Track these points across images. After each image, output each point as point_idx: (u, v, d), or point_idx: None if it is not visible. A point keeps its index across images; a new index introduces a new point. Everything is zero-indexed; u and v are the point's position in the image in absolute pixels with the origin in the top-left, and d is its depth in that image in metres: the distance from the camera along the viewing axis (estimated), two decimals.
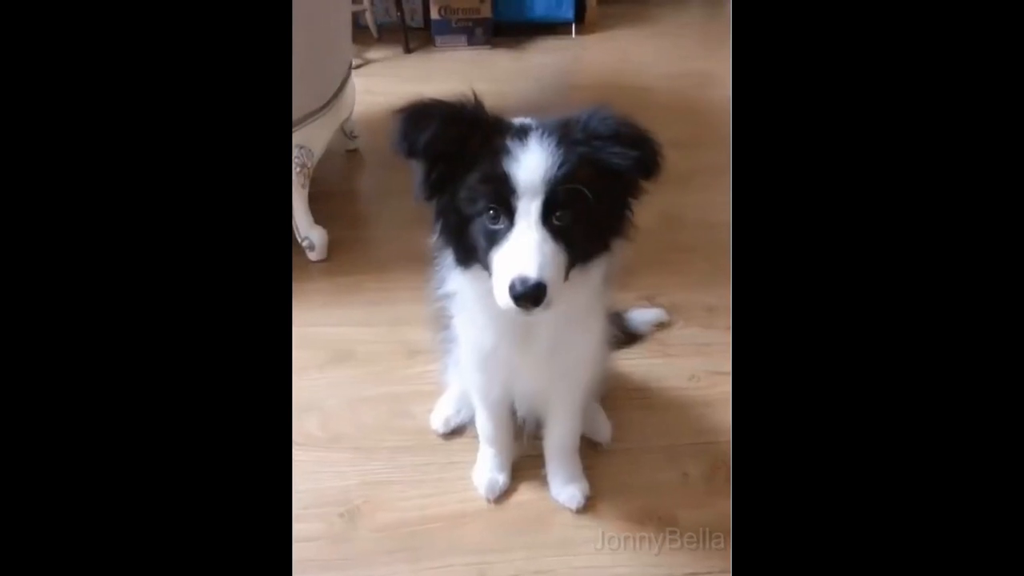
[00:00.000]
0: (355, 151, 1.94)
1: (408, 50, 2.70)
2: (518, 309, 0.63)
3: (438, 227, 0.73)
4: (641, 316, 1.24)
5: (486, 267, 0.68)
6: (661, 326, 1.26)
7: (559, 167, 0.64)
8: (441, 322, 0.91)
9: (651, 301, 1.30)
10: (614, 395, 1.10)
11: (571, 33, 2.94)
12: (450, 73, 2.51)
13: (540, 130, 0.66)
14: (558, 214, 0.65)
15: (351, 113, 1.84)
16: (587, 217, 0.66)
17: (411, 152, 0.66)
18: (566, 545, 0.91)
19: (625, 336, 1.18)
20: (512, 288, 0.63)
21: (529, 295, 0.62)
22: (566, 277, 0.68)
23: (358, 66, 2.51)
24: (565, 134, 0.66)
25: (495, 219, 0.66)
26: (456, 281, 0.77)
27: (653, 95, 2.37)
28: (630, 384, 1.15)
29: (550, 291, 0.63)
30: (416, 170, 0.70)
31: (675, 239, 1.52)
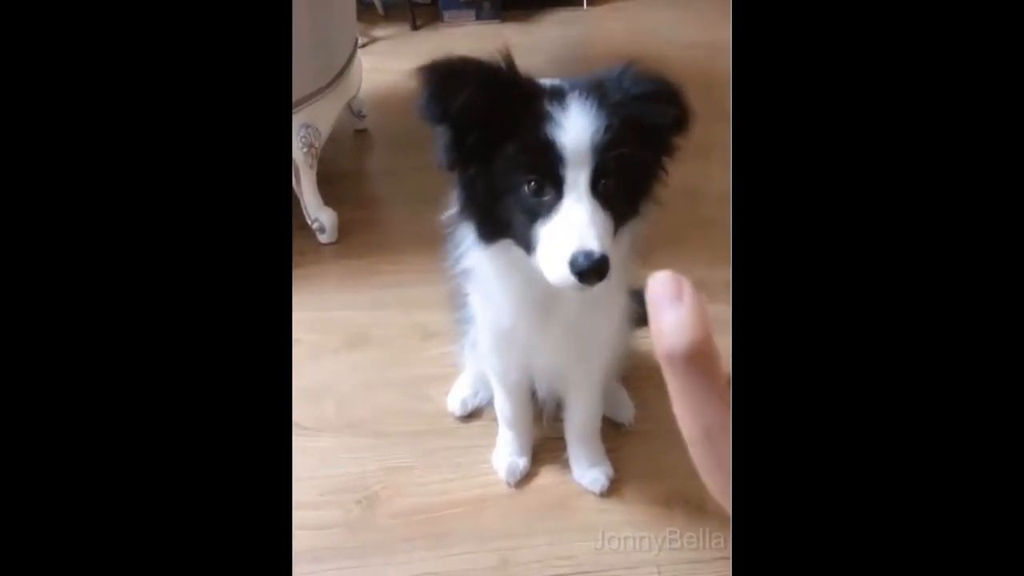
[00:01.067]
0: (364, 131, 1.90)
1: (415, 27, 2.64)
2: (581, 285, 0.59)
3: (461, 200, 0.67)
4: None
5: (523, 243, 0.63)
6: None
7: (605, 131, 0.59)
8: (457, 302, 0.88)
9: None
10: (636, 375, 1.06)
11: (582, 4, 2.86)
12: (459, 49, 2.44)
13: (577, 92, 0.61)
14: (604, 182, 0.60)
15: (358, 91, 1.80)
16: (628, 180, 0.63)
17: (442, 117, 0.60)
18: (590, 529, 0.88)
19: (646, 315, 1.14)
20: (575, 263, 0.58)
21: (594, 269, 0.58)
22: None
23: (364, 44, 2.46)
24: (603, 95, 0.61)
25: (539, 191, 0.61)
26: (475, 258, 0.72)
27: (668, 66, 2.28)
28: (653, 363, 1.11)
29: (611, 264, 0.59)
30: (440, 136, 0.63)
31: (697, 213, 1.47)
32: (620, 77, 0.63)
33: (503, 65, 0.61)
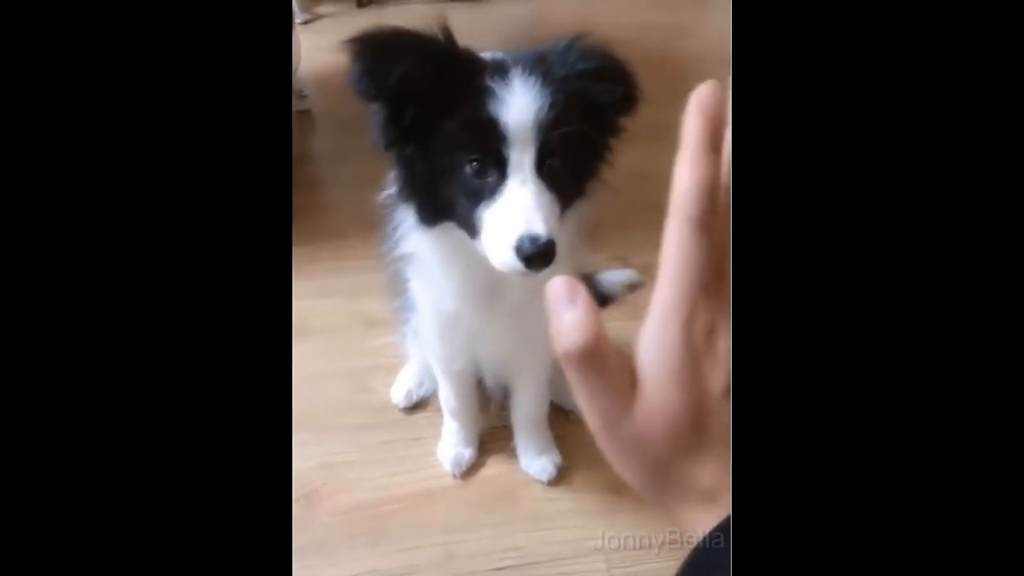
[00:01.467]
0: (307, 112, 1.82)
1: (361, 4, 2.55)
2: (527, 270, 0.56)
3: (399, 181, 0.64)
4: (613, 277, 1.19)
5: (466, 226, 0.60)
6: (633, 287, 1.21)
7: (549, 109, 0.56)
8: (397, 288, 0.84)
9: (624, 262, 1.25)
10: None
11: None
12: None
13: (520, 67, 0.58)
14: (549, 162, 0.57)
15: (297, 69, 1.72)
16: (573, 160, 0.60)
17: (377, 92, 0.56)
18: (538, 520, 0.87)
19: (595, 298, 1.13)
20: (521, 248, 0.55)
21: (541, 254, 0.55)
22: None
23: (307, 21, 2.37)
24: (547, 71, 0.58)
25: (481, 172, 0.57)
26: (416, 241, 0.68)
27: (622, 48, 2.28)
28: None
29: (557, 248, 0.56)
30: (375, 113, 0.59)
31: (647, 198, 1.45)
32: (565, 52, 0.59)
33: (441, 37, 0.57)
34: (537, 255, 0.55)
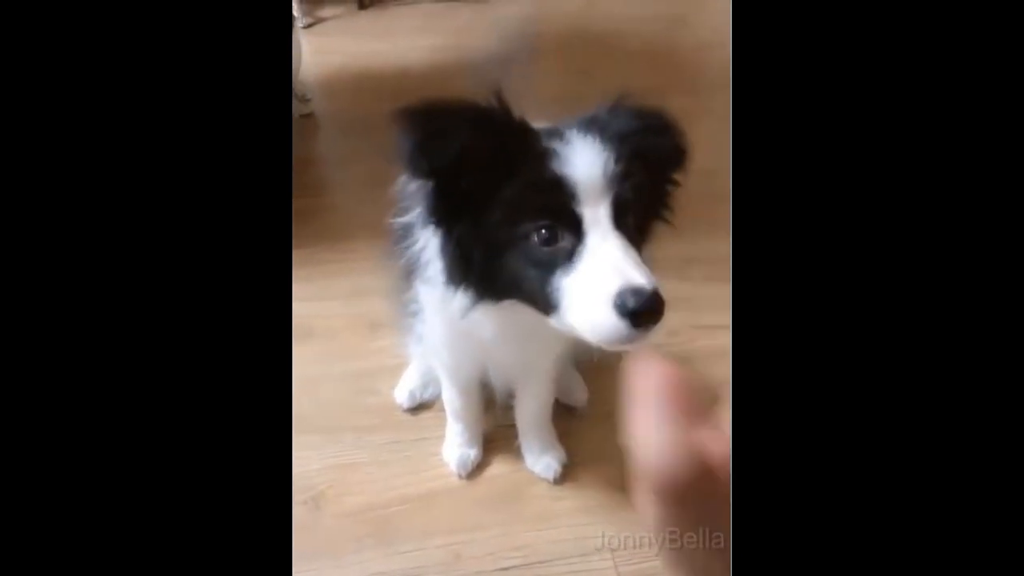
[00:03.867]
0: (310, 115, 1.83)
1: (363, 6, 2.55)
2: (632, 332, 0.48)
3: (448, 265, 0.58)
4: None
5: (538, 303, 0.55)
6: None
7: (616, 162, 0.53)
8: (401, 292, 0.84)
9: None
10: (588, 357, 1.04)
11: None
12: (409, 29, 2.37)
13: (575, 128, 0.55)
14: (626, 218, 0.53)
15: (298, 73, 1.72)
16: (643, 214, 0.57)
17: (434, 170, 0.53)
18: (544, 518, 0.86)
19: None
20: (623, 305, 0.48)
21: (649, 308, 0.48)
22: None
23: (309, 25, 2.37)
24: (603, 129, 0.56)
25: (551, 238, 0.52)
26: (474, 314, 0.62)
27: (622, 41, 2.27)
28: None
29: (665, 302, 0.49)
30: (424, 186, 0.55)
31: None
32: (614, 112, 0.58)
33: (497, 107, 0.54)
34: (644, 309, 0.48)
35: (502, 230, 0.54)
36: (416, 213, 0.63)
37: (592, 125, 0.57)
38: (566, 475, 0.90)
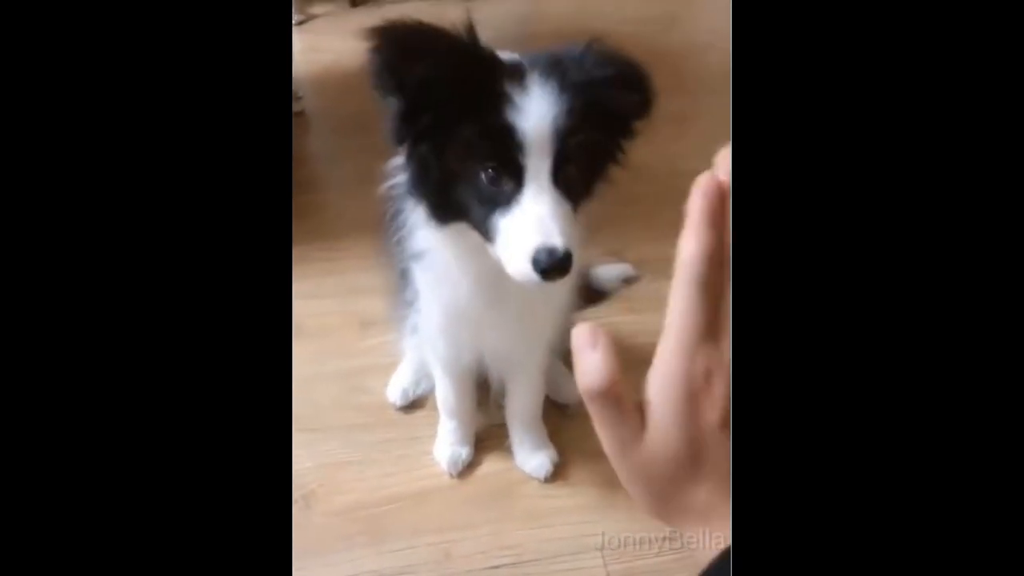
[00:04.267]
0: (301, 113, 1.82)
1: (355, 3, 2.54)
2: (543, 282, 0.56)
3: (410, 178, 0.62)
4: (607, 272, 1.19)
5: (481, 230, 0.60)
6: (628, 281, 1.20)
7: (567, 116, 0.55)
8: (395, 286, 0.84)
9: (618, 256, 1.24)
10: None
11: None
12: None
13: (536, 72, 0.56)
14: (565, 171, 0.57)
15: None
16: (589, 167, 0.60)
17: (397, 88, 0.55)
18: (534, 517, 0.87)
19: (591, 293, 1.13)
20: (538, 261, 0.55)
21: (558, 267, 0.55)
22: None
23: (300, 22, 2.36)
24: (564, 76, 0.56)
25: (496, 180, 0.56)
26: (426, 237, 0.67)
27: (614, 41, 2.27)
28: None
29: (574, 259, 0.55)
30: (391, 106, 0.57)
31: (641, 190, 1.45)
32: (583, 57, 0.58)
33: (464, 36, 0.56)
34: (554, 268, 0.55)
35: (456, 162, 0.58)
36: (400, 186, 0.66)
37: (556, 68, 0.57)
38: (557, 474, 0.91)
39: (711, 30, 2.29)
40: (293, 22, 2.32)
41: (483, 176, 0.57)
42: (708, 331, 0.29)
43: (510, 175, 0.56)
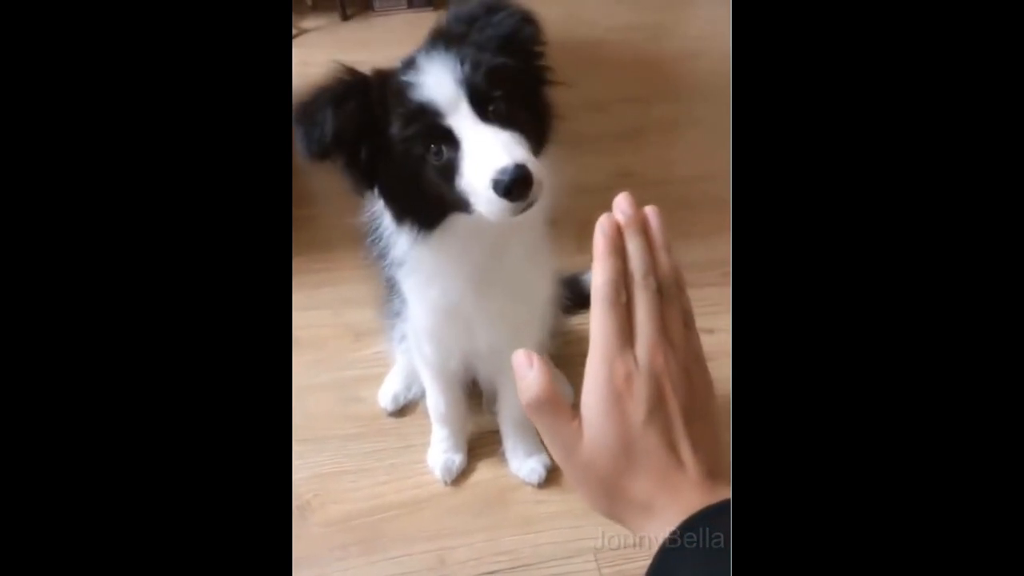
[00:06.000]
0: None
1: (345, 17, 2.56)
2: (513, 205, 0.56)
3: (392, 211, 0.66)
4: None
5: (460, 207, 0.61)
6: None
7: (461, 63, 0.58)
8: (384, 295, 0.85)
9: None
10: (572, 362, 1.05)
11: None
12: (391, 39, 2.38)
13: (423, 51, 0.61)
14: (492, 107, 0.59)
15: None
16: (517, 95, 0.61)
17: (323, 152, 0.60)
18: (528, 522, 0.87)
19: (581, 300, 1.13)
20: (497, 185, 0.56)
21: (517, 179, 0.55)
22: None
23: (293, 36, 2.38)
24: (446, 37, 0.61)
25: (440, 153, 0.60)
26: (416, 251, 0.69)
27: (604, 49, 2.29)
28: (587, 349, 1.11)
29: (533, 171, 0.56)
30: (340, 169, 0.62)
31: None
32: (454, 16, 0.63)
33: (345, 75, 0.60)
34: (514, 182, 0.55)
35: (405, 162, 0.61)
36: (378, 203, 0.69)
37: (438, 39, 0.61)
38: (550, 479, 0.91)
39: (701, 37, 2.31)
40: None
41: (430, 158, 0.60)
42: (624, 341, 0.34)
43: (445, 141, 0.59)
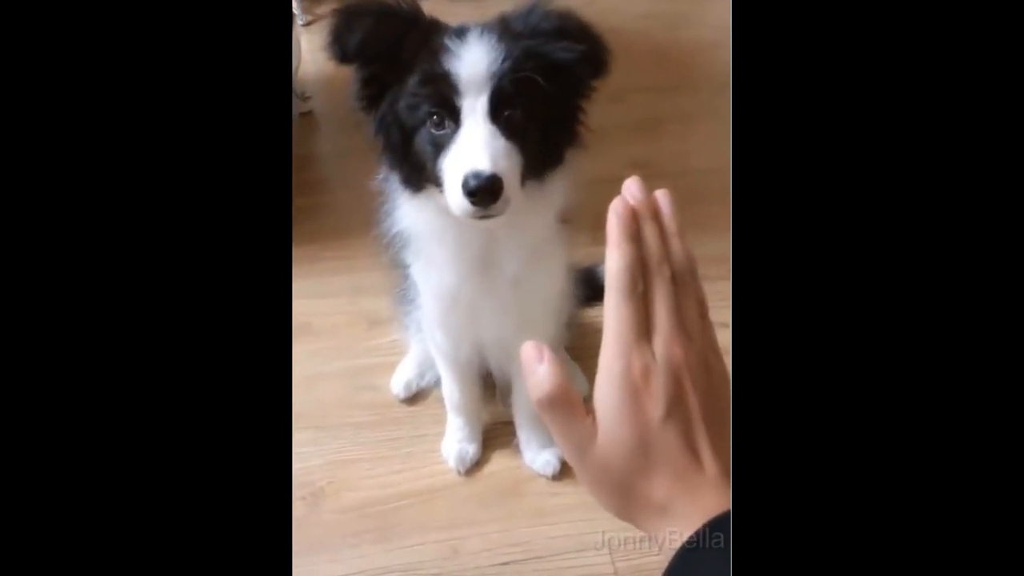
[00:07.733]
0: (309, 113, 1.83)
1: None
2: (474, 209, 0.58)
3: (382, 147, 0.67)
4: None
5: (435, 181, 0.63)
6: None
7: (503, 60, 0.59)
8: (397, 280, 0.85)
9: None
10: (588, 353, 1.04)
11: None
12: None
13: (480, 28, 0.61)
14: (508, 112, 0.60)
15: (297, 71, 1.73)
16: (539, 116, 0.61)
17: (344, 54, 0.61)
18: (542, 514, 0.87)
19: (595, 292, 1.13)
20: (465, 184, 0.57)
21: (484, 188, 0.57)
22: (523, 184, 0.62)
23: (309, 23, 2.37)
24: (505, 29, 0.61)
25: (439, 124, 0.61)
26: (407, 213, 0.70)
27: (622, 37, 2.24)
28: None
29: (506, 186, 0.57)
30: (353, 76, 0.64)
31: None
32: (527, 14, 0.62)
33: (404, 3, 0.61)
34: (480, 189, 0.57)
35: (408, 115, 0.62)
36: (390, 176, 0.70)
37: (497, 25, 0.62)
38: (564, 471, 0.91)
39: (720, 27, 2.28)
40: (301, 23, 2.34)
41: (429, 123, 0.61)
42: (641, 333, 0.32)
43: (450, 117, 0.60)
